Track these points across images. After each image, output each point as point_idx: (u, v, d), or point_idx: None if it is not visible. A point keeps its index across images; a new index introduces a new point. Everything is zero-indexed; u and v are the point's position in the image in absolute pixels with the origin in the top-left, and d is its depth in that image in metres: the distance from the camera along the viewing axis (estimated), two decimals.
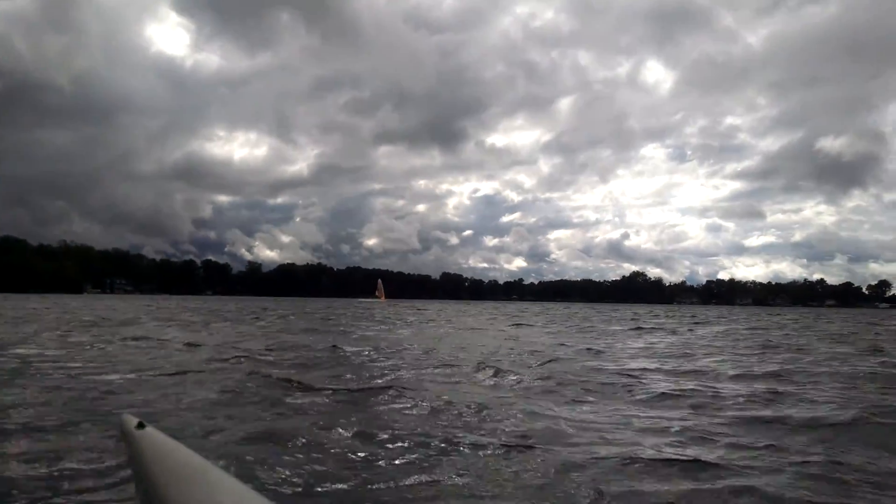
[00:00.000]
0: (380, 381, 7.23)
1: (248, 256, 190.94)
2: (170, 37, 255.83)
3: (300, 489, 3.31)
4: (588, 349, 12.39)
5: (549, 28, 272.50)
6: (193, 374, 7.44)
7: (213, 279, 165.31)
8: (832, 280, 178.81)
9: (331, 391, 6.37)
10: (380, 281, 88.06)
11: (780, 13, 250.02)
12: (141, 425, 1.17)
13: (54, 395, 5.78)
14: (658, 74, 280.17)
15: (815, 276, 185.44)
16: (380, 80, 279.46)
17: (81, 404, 5.42)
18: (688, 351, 12.51)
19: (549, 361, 9.85)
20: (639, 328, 21.77)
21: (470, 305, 71.24)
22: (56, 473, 3.49)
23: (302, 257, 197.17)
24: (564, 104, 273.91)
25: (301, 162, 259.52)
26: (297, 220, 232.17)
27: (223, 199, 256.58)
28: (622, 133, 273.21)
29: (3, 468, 3.58)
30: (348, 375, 7.69)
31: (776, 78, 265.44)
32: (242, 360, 9.13)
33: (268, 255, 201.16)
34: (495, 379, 7.75)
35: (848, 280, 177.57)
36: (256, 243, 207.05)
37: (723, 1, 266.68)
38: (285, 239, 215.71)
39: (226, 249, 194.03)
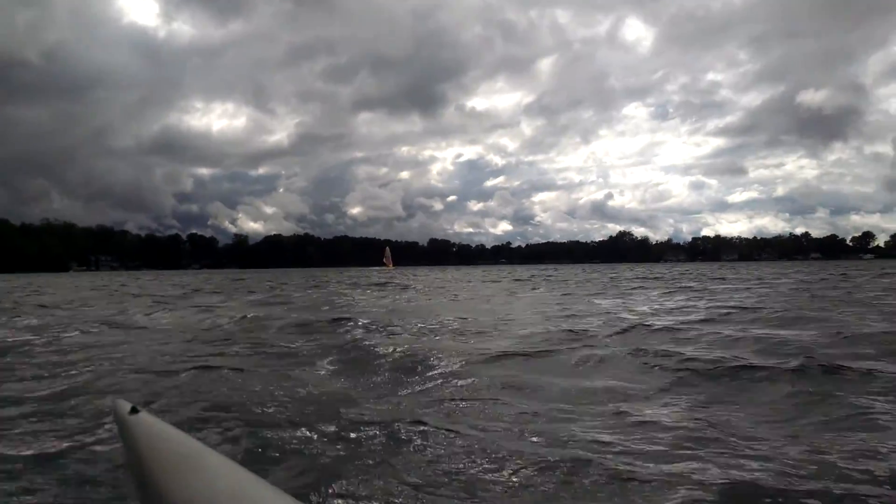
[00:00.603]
0: None
1: (232, 229, 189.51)
2: (139, 6, 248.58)
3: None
4: (651, 310, 12.02)
5: None
6: None
7: (199, 253, 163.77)
8: (815, 233, 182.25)
9: None
10: (387, 248, 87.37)
11: None
12: (134, 410, 1.16)
13: None
14: (638, 32, 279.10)
15: (798, 230, 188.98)
16: (356, 46, 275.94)
17: None
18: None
19: (628, 330, 8.52)
20: (669, 291, 20.23)
21: (467, 271, 70.43)
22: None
23: (286, 228, 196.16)
24: (544, 65, 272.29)
25: (281, 132, 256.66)
26: (281, 190, 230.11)
27: (204, 171, 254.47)
28: (603, 92, 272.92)
29: None
30: None
31: (757, 32, 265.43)
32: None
33: (252, 226, 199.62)
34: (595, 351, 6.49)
35: (831, 233, 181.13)
36: (240, 215, 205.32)
37: None
38: (268, 210, 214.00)
39: (209, 223, 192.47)
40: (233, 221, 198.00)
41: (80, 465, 3.31)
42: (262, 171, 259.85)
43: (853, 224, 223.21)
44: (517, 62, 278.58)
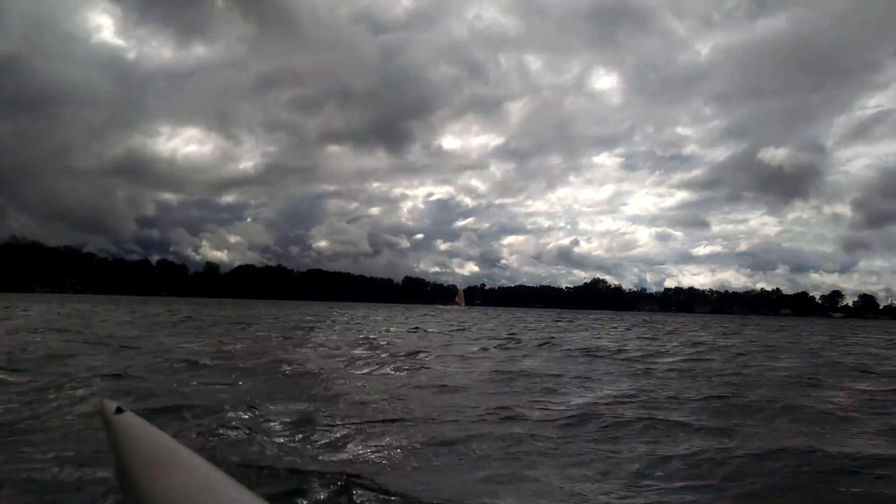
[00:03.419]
0: None
1: (195, 257, 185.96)
2: (102, 25, 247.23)
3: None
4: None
5: (494, 30, 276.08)
6: None
7: (168, 280, 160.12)
8: (771, 289, 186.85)
9: None
10: (460, 289, 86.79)
11: (727, 24, 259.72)
12: (119, 410, 1.22)
13: None
14: (605, 81, 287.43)
15: (759, 286, 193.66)
16: (323, 78, 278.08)
17: None
18: None
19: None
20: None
21: (474, 313, 66.56)
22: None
23: (250, 258, 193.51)
24: (513, 109, 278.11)
25: (247, 160, 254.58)
26: (249, 220, 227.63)
27: (167, 196, 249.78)
28: (572, 140, 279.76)
29: None
30: None
31: (722, 89, 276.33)
32: None
33: (215, 255, 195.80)
34: None
35: (795, 290, 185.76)
36: (203, 243, 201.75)
37: (670, 8, 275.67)
38: (232, 239, 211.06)
39: (171, 249, 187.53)
40: (195, 249, 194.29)
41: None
42: (227, 199, 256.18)
43: (812, 282, 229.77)
44: (485, 104, 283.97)
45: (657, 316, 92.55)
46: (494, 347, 14.49)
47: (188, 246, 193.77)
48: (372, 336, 17.15)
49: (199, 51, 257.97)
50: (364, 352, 12.16)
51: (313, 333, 18.23)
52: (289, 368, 8.62)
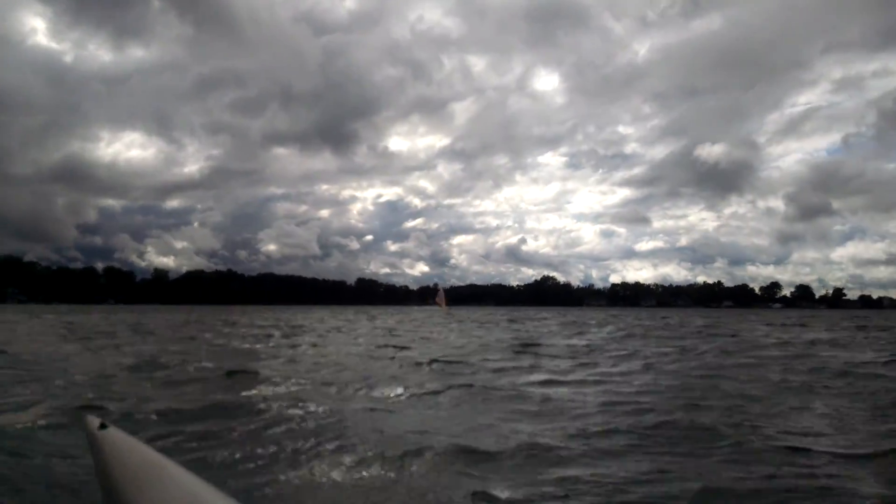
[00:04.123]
0: None
1: (140, 263, 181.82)
2: (31, 25, 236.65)
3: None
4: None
5: (436, 31, 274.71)
6: None
7: (115, 287, 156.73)
8: (712, 282, 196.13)
9: None
10: (441, 288, 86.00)
11: (663, 24, 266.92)
12: (103, 426, 1.20)
13: None
14: (547, 81, 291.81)
15: (700, 279, 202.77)
16: (265, 79, 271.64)
17: None
18: None
19: None
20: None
21: (431, 313, 65.59)
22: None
23: (197, 263, 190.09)
24: (458, 109, 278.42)
25: (191, 164, 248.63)
26: (196, 224, 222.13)
27: (109, 202, 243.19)
28: (517, 139, 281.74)
29: None
30: None
31: (660, 88, 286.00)
32: None
33: (161, 261, 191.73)
34: None
35: (733, 283, 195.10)
36: (148, 249, 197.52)
37: (607, 7, 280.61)
38: (178, 245, 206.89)
39: (115, 256, 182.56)
40: (140, 255, 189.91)
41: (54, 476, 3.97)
42: (171, 204, 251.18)
43: (749, 274, 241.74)
44: (430, 105, 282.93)
45: (613, 311, 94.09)
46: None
47: (133, 252, 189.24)
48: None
49: (137, 53, 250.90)
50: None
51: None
52: None
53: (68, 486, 3.79)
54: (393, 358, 13.17)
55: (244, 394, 7.86)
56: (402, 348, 15.71)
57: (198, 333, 22.38)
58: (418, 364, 11.74)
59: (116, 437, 1.18)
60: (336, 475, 4.34)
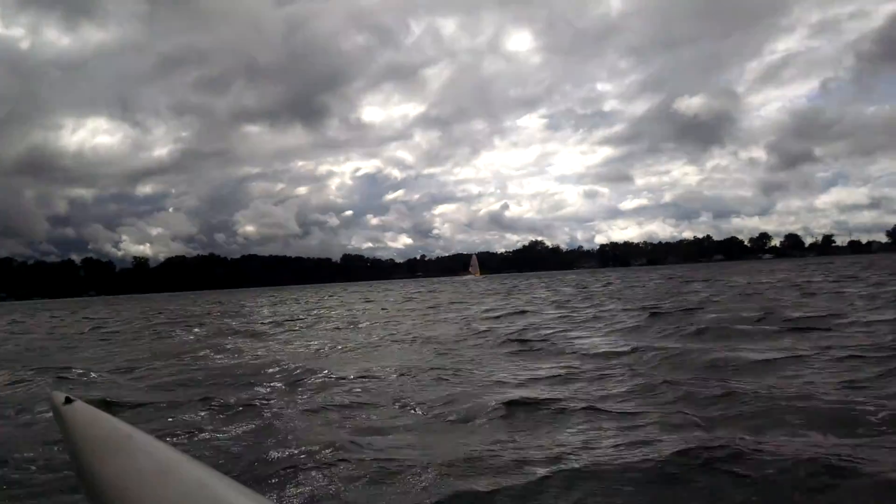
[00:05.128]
0: None
1: (117, 253, 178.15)
2: None
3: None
4: None
5: None
6: None
7: (95, 279, 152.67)
8: (700, 236, 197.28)
9: None
10: (474, 257, 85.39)
11: None
12: (68, 400, 1.19)
13: None
14: (520, 41, 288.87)
15: (686, 235, 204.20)
16: (228, 56, 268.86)
17: None
18: None
19: None
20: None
21: (435, 286, 59.10)
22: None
23: (175, 249, 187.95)
24: (430, 75, 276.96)
25: (159, 148, 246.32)
26: (170, 209, 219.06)
27: (79, 192, 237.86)
28: (493, 103, 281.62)
29: None
30: None
31: (636, 42, 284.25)
32: None
33: (137, 249, 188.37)
34: None
35: (718, 236, 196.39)
36: (123, 238, 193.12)
37: None
38: (154, 231, 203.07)
39: (90, 247, 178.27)
40: (116, 245, 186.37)
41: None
42: (146, 190, 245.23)
43: (734, 227, 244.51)
44: (401, 72, 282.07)
45: (609, 273, 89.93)
46: None
47: (107, 242, 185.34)
48: None
49: (93, 34, 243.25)
50: None
51: None
52: None
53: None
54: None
55: None
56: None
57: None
58: None
59: (83, 411, 1.16)
60: None
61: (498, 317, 14.48)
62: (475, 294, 31.55)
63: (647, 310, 13.05)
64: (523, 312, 15.31)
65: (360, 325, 14.79)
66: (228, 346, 10.96)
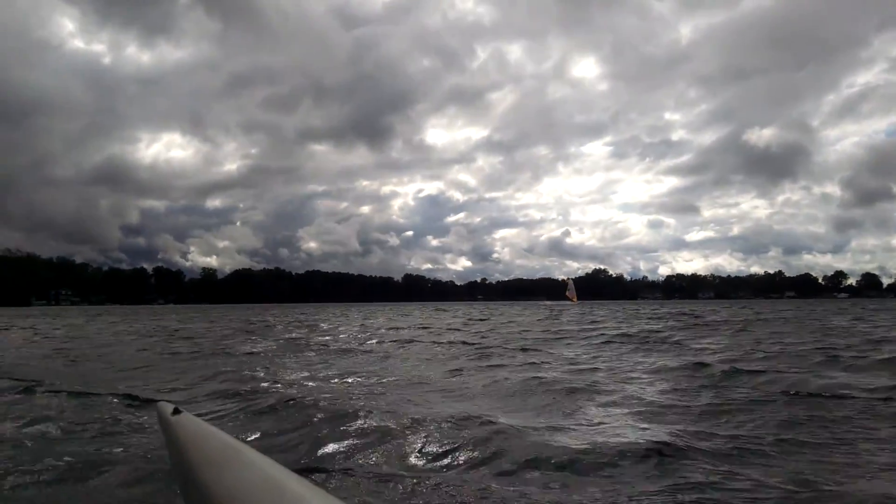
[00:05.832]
0: None
1: (185, 263, 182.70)
2: (59, 25, 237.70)
3: None
4: None
5: (468, 19, 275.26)
6: None
7: (165, 287, 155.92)
8: (770, 272, 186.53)
9: None
10: (570, 281, 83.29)
11: (708, 2, 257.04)
12: (177, 411, 1.21)
13: None
14: (586, 67, 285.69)
15: (753, 270, 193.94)
16: (297, 75, 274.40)
17: None
18: None
19: None
20: None
21: (504, 309, 55.58)
22: None
23: (239, 262, 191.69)
24: (495, 99, 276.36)
25: (229, 163, 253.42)
26: (238, 223, 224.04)
27: (152, 203, 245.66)
28: (557, 129, 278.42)
29: None
30: None
31: (706, 71, 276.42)
32: None
33: (204, 260, 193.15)
34: None
35: (788, 272, 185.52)
36: (192, 249, 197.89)
37: None
38: (220, 244, 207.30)
39: (159, 256, 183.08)
40: (184, 255, 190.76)
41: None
42: (215, 203, 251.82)
43: (805, 263, 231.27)
44: (466, 96, 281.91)
45: (670, 304, 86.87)
46: None
47: (176, 252, 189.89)
48: None
49: (168, 52, 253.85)
50: None
51: None
52: None
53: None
54: None
55: None
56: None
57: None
58: None
59: (190, 422, 1.18)
60: None
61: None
62: (627, 320, 26.88)
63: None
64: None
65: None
66: None
